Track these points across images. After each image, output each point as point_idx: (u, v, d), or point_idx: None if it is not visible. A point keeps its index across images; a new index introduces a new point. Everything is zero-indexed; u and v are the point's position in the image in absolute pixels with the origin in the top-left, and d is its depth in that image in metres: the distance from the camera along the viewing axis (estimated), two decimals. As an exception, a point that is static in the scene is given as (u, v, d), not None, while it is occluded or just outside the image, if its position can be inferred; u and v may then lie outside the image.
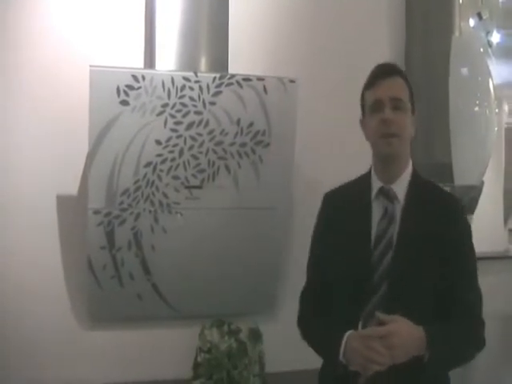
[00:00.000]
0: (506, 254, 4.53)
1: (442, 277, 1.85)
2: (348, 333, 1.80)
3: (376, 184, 1.96)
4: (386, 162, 1.95)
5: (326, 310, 2.00)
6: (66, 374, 2.87)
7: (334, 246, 2.00)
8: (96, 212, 2.70)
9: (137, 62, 2.93)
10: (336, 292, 1.99)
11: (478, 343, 1.88)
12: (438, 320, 1.83)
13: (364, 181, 2.01)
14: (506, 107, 5.54)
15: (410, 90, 1.94)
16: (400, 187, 1.94)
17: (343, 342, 1.79)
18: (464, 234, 1.93)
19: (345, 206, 2.02)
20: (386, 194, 1.94)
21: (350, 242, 1.96)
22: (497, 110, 3.85)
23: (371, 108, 1.92)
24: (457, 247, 1.88)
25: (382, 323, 1.75)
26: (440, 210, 1.92)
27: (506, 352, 3.78)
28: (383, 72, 1.94)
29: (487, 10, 4.68)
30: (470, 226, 1.97)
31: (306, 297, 2.09)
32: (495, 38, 5.09)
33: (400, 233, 1.89)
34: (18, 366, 2.81)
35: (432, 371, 1.77)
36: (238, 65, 2.92)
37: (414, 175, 1.97)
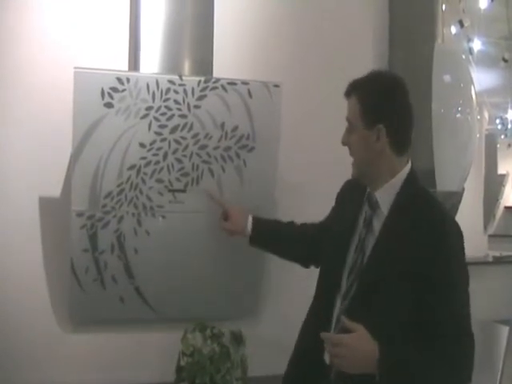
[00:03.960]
0: (486, 259, 4.57)
1: (417, 301, 1.79)
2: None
3: (368, 189, 1.99)
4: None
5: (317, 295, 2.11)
6: (47, 378, 2.85)
7: (329, 234, 2.07)
8: (79, 214, 2.68)
9: (121, 64, 2.93)
10: (321, 280, 2.06)
11: (457, 377, 1.80)
12: (413, 340, 1.79)
13: None
14: (486, 114, 5.60)
15: (363, 104, 1.90)
16: (384, 196, 1.92)
17: None
18: (445, 259, 1.81)
19: (349, 199, 2.07)
20: (370, 200, 1.96)
21: (336, 235, 2.01)
22: (478, 117, 3.89)
23: None
24: (436, 272, 1.79)
25: (345, 328, 1.77)
26: (422, 229, 1.83)
27: (486, 357, 3.81)
28: (344, 95, 1.98)
29: (468, 18, 4.74)
30: (454, 251, 1.85)
31: None
32: (476, 45, 5.15)
33: (376, 243, 1.89)
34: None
35: None
36: (222, 69, 2.92)
37: (406, 186, 1.92)
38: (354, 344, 1.73)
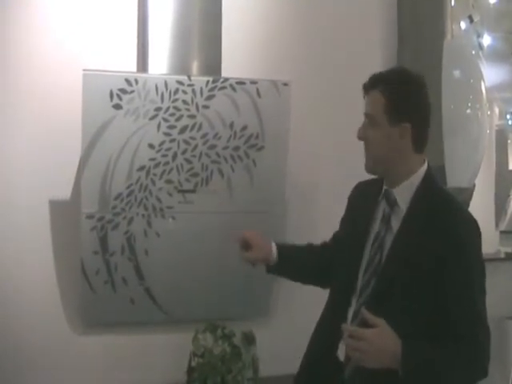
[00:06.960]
0: (497, 255, 4.54)
1: (435, 296, 1.79)
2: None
3: (385, 186, 1.98)
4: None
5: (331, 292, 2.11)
6: (57, 379, 2.86)
7: (343, 234, 2.07)
8: (89, 216, 2.68)
9: (130, 65, 2.92)
10: (335, 276, 2.05)
11: (476, 371, 1.81)
12: (431, 336, 1.78)
13: (382, 181, 2.01)
14: (496, 109, 5.56)
15: (390, 101, 1.85)
16: (403, 193, 1.90)
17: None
18: (463, 255, 1.80)
19: (362, 200, 2.06)
20: (387, 198, 1.94)
21: (351, 234, 2.00)
22: (488, 113, 3.86)
23: None
24: (454, 268, 1.79)
25: (365, 321, 1.75)
26: (441, 226, 1.83)
27: (498, 354, 3.78)
28: (364, 88, 1.94)
29: (478, 13, 4.70)
30: (472, 247, 1.84)
31: None
32: (486, 40, 5.11)
33: (395, 240, 1.89)
34: (8, 372, 2.79)
35: None
36: (230, 68, 2.91)
37: (425, 182, 1.91)
38: (377, 339, 1.70)
